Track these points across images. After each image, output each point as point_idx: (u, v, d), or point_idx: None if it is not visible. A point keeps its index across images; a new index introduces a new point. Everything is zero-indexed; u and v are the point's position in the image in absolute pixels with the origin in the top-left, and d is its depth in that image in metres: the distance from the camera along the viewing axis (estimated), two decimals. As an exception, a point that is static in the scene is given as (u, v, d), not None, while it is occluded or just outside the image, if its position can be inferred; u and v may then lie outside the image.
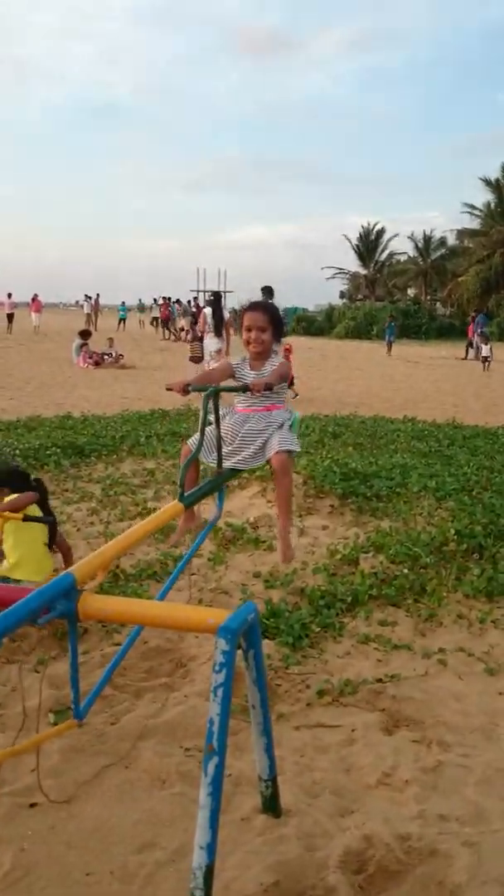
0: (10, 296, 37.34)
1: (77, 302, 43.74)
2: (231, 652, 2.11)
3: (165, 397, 14.36)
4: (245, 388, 3.40)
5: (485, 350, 24.88)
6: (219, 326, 14.46)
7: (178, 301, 39.47)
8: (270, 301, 3.85)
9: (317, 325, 52.26)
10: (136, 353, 25.26)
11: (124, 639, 3.98)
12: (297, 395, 15.02)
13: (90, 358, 20.85)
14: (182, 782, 2.85)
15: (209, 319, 14.46)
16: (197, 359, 15.14)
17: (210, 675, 3.57)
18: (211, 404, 3.31)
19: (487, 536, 5.17)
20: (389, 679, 3.58)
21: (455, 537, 5.08)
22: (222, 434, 3.48)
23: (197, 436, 3.53)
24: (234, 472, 3.57)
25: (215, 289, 55.94)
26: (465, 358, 30.58)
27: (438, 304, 57.79)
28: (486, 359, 24.52)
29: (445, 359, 30.26)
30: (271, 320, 3.75)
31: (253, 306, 3.81)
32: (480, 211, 51.89)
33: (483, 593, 4.50)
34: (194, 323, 32.52)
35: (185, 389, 3.46)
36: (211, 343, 14.52)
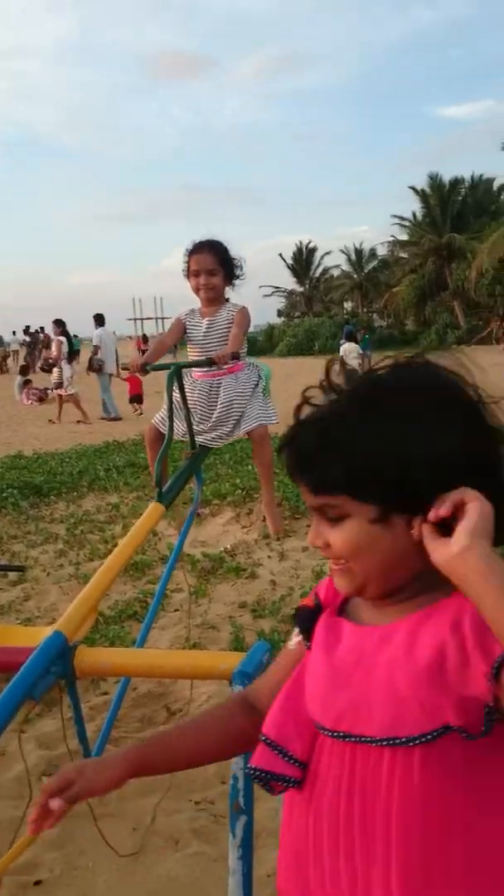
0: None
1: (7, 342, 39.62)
2: (251, 699, 1.93)
3: (118, 428, 14.11)
4: (210, 363, 3.13)
5: None
6: (71, 353, 16.08)
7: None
8: (217, 241, 3.53)
9: (258, 345, 52.40)
10: (80, 383, 24.85)
11: (111, 688, 3.75)
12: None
13: (34, 394, 20.44)
14: (197, 840, 2.64)
15: (65, 347, 15.84)
16: (59, 384, 16.01)
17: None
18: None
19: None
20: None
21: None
22: (191, 409, 3.21)
23: (163, 414, 3.29)
24: (208, 450, 3.35)
25: (151, 315, 55.93)
26: None
27: (375, 316, 58.46)
28: None
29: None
30: (221, 262, 3.41)
31: (198, 247, 3.42)
32: (409, 221, 52.67)
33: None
34: (31, 353, 32.55)
35: (143, 369, 3.23)
36: (66, 368, 15.72)
